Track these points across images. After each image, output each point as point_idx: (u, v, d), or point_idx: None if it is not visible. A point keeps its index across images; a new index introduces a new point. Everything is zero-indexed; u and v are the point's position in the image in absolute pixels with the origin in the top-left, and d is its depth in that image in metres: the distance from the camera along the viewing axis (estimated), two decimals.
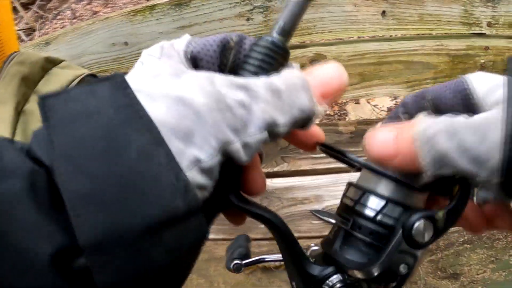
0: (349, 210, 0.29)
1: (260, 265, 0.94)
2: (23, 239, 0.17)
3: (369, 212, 0.27)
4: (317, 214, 1.02)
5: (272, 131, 0.22)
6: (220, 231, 1.04)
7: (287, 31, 0.26)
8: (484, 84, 0.26)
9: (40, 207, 0.18)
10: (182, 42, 0.25)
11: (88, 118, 0.19)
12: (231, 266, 0.59)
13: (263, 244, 0.98)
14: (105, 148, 0.18)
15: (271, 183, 1.10)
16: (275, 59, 0.25)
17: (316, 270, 0.28)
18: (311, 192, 1.07)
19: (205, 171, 0.20)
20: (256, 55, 0.25)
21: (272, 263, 0.95)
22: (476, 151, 0.22)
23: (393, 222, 0.27)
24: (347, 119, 1.64)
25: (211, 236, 1.03)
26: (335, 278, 0.28)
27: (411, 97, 0.29)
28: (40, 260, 0.17)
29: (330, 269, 0.28)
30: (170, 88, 0.20)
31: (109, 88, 0.20)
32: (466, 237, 0.91)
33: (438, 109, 0.27)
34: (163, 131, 0.19)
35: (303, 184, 1.08)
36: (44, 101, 0.20)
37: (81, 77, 0.76)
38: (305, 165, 1.11)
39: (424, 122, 0.24)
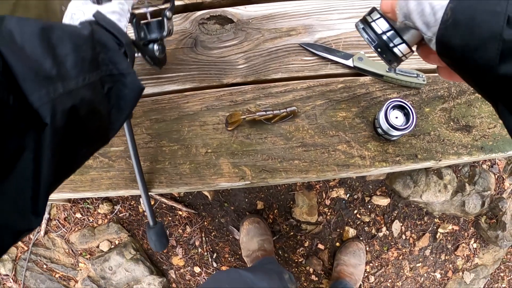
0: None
1: (248, 118, 0.73)
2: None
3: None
4: (309, 48, 0.79)
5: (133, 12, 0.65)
6: (187, 80, 0.79)
7: None
8: None
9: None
10: None
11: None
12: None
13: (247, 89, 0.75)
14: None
15: (245, 10, 0.82)
16: None
17: (141, 42, 0.69)
18: (298, 21, 0.82)
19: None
20: None
21: (262, 116, 0.74)
22: (428, 19, 0.40)
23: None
24: None
25: (177, 87, 0.79)
26: (155, 46, 0.69)
27: None
28: (95, 81, 0.43)
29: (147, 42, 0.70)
30: (105, 9, 0.53)
31: (88, 24, 0.47)
32: None
33: None
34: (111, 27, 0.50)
35: (287, 11, 0.82)
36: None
37: None
38: None
39: None
